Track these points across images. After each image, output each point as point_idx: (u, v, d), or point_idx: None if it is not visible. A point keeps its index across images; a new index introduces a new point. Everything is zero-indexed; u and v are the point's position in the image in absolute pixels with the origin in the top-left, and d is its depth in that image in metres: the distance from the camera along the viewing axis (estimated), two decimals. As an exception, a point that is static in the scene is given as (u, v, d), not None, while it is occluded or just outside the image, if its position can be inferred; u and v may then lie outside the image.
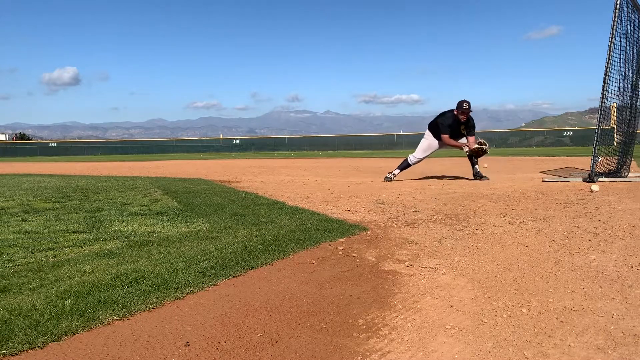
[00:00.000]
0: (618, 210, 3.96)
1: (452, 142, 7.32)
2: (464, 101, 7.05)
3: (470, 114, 7.19)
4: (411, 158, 7.54)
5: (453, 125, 7.18)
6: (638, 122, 7.44)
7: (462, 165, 11.53)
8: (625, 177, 6.63)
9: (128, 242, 3.04)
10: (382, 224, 3.71)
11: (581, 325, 1.69)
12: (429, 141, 7.49)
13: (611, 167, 6.84)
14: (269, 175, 9.40)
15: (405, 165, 7.59)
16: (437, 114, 7.52)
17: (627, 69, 6.73)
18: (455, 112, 7.11)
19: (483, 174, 7.34)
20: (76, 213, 4.31)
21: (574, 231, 3.23)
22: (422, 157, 7.55)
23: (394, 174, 7.55)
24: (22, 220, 3.92)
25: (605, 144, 6.78)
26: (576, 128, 43.87)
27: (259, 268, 2.47)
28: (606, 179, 6.28)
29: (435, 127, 7.38)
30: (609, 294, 1.99)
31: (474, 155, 7.31)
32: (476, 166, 7.39)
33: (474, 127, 7.31)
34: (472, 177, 7.35)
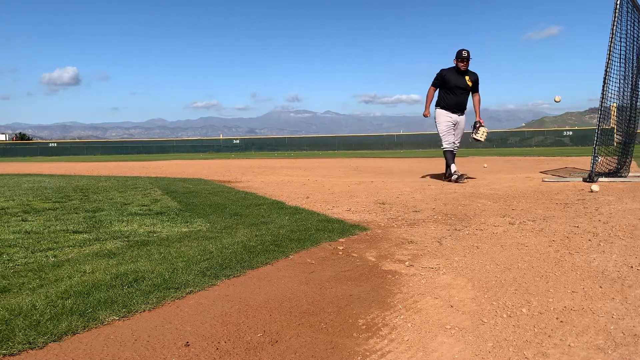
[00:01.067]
0: (618, 210, 3.96)
1: (429, 99, 7.02)
2: (462, 49, 6.82)
3: (477, 76, 7.00)
4: (443, 147, 7.10)
5: (451, 77, 6.86)
6: (638, 122, 7.44)
7: (462, 165, 11.53)
8: (625, 177, 6.63)
9: (128, 242, 3.04)
10: (382, 224, 3.71)
11: (581, 325, 1.69)
12: (440, 121, 7.02)
13: (611, 167, 6.84)
14: (269, 175, 9.40)
15: (447, 157, 7.04)
16: None
17: (627, 69, 6.73)
18: (455, 62, 6.92)
19: (463, 177, 6.79)
20: (76, 213, 4.31)
21: (574, 231, 3.23)
22: (448, 139, 7.01)
23: (454, 171, 6.83)
24: (22, 220, 3.92)
25: (605, 144, 6.78)
26: (576, 128, 43.83)
27: (259, 268, 2.47)
28: (606, 179, 6.28)
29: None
30: (609, 294, 1.99)
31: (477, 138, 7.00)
32: (452, 165, 6.96)
33: (477, 83, 6.99)
34: (451, 179, 6.87)
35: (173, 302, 1.97)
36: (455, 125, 7.06)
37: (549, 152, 22.81)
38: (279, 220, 3.82)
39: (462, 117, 7.13)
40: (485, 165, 11.24)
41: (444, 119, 7.05)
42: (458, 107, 7.01)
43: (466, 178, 6.92)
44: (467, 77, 6.91)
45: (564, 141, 39.52)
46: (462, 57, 6.81)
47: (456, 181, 6.67)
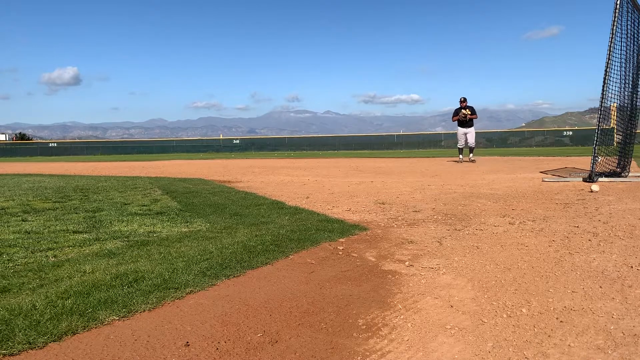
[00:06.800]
0: (618, 210, 3.96)
1: (455, 117, 13.19)
2: (461, 97, 13.20)
3: (474, 108, 13.10)
4: (459, 144, 13.16)
5: (458, 110, 13.10)
6: (638, 122, 7.44)
7: (459, 165, 11.52)
8: (625, 177, 6.63)
9: (128, 242, 3.04)
10: (382, 224, 3.71)
11: (581, 325, 1.69)
12: (458, 131, 13.14)
13: (611, 167, 6.84)
14: (269, 175, 9.40)
15: (460, 150, 13.18)
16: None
17: (627, 69, 6.73)
18: (459, 105, 13.17)
19: (471, 160, 13.09)
20: (76, 213, 4.31)
21: (574, 231, 3.23)
22: (460, 141, 13.04)
23: (461, 159, 13.08)
24: (22, 220, 3.92)
25: (605, 144, 6.78)
26: (576, 128, 43.72)
27: (259, 268, 2.47)
28: (606, 179, 6.28)
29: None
30: (609, 294, 1.99)
31: (465, 126, 12.94)
32: (470, 155, 13.26)
33: (472, 109, 13.06)
34: (467, 160, 13.08)
35: (173, 302, 1.97)
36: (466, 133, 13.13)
37: (549, 152, 22.81)
38: (279, 220, 3.82)
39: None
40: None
41: (458, 131, 13.23)
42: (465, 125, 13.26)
43: (462, 161, 12.91)
44: (466, 110, 13.01)
45: (564, 141, 39.47)
46: (460, 101, 13.11)
47: (458, 162, 13.05)
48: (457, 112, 13.18)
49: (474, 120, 13.19)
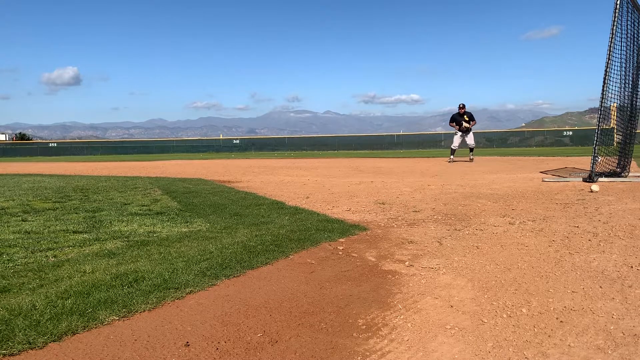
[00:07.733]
0: (618, 210, 3.96)
1: (451, 124, 13.43)
2: (460, 103, 13.43)
3: (472, 113, 13.40)
4: (452, 145, 13.53)
5: (457, 117, 13.33)
6: (638, 122, 7.44)
7: (459, 165, 11.53)
8: (625, 177, 6.63)
9: (128, 242, 3.04)
10: (382, 224, 3.71)
11: (581, 325, 1.69)
12: (456, 133, 13.43)
13: (611, 167, 6.84)
14: (269, 175, 9.39)
15: (452, 151, 13.53)
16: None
17: (627, 69, 6.72)
18: (458, 111, 13.37)
19: (470, 159, 13.62)
20: (76, 213, 4.31)
21: (574, 231, 3.23)
22: (455, 143, 13.48)
23: (452, 159, 13.35)
24: (22, 220, 3.92)
25: (605, 144, 6.78)
26: (576, 128, 43.65)
27: (259, 268, 2.47)
28: (606, 179, 6.28)
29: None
30: (609, 294, 1.99)
31: (465, 133, 13.25)
32: (470, 154, 13.82)
33: (471, 116, 13.33)
34: (467, 159, 13.64)
35: (173, 302, 1.97)
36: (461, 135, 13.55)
37: (549, 152, 22.80)
38: (279, 220, 3.82)
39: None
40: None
41: (455, 134, 13.61)
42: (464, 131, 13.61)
43: (453, 161, 13.36)
44: (465, 117, 13.23)
45: (564, 141, 39.42)
46: (459, 108, 13.32)
47: (450, 161, 13.28)
48: (454, 118, 13.29)
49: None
